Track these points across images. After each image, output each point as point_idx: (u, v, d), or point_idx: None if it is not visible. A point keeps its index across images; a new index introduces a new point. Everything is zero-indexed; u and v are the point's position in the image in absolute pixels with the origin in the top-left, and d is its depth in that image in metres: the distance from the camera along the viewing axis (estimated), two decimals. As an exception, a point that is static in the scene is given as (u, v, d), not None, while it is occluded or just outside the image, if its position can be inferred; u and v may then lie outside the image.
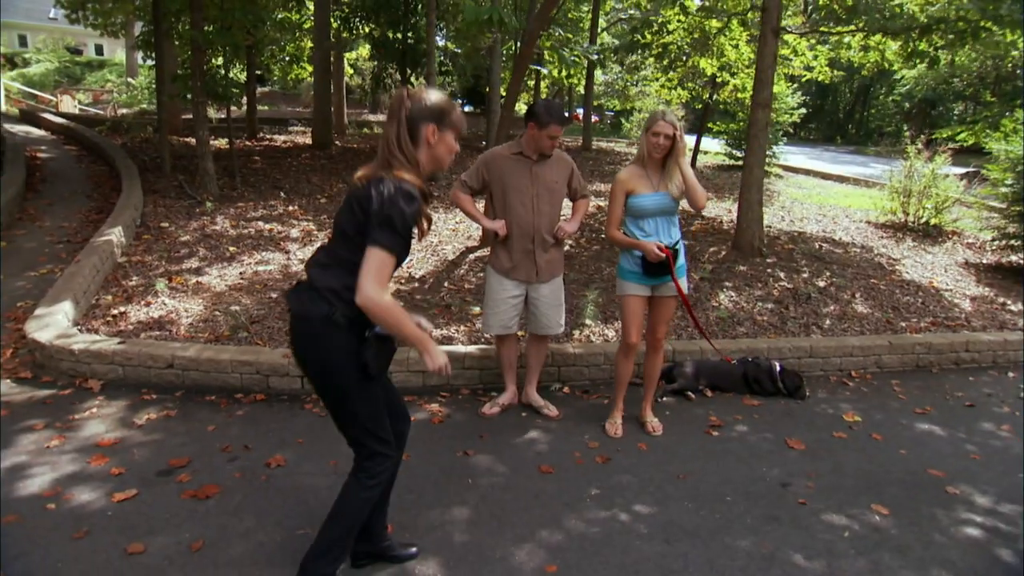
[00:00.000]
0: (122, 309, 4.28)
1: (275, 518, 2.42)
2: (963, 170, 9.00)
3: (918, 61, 6.50)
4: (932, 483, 2.87)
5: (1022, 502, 2.72)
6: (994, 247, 6.90)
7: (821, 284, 5.43)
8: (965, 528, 2.53)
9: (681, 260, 3.07)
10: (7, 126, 12.05)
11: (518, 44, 9.33)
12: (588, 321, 4.46)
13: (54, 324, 3.75)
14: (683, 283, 3.11)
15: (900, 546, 2.40)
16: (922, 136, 8.53)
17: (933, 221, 7.54)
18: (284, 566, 2.16)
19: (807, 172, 12.95)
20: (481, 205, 4.21)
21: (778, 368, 3.77)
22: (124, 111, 16.60)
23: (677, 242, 3.03)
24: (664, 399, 3.68)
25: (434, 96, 1.85)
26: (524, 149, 3.15)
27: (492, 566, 2.21)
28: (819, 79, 10.00)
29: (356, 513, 2.00)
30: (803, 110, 12.82)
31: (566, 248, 6.05)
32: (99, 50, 29.46)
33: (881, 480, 2.88)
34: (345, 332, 1.80)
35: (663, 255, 2.93)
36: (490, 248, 3.37)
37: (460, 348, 3.82)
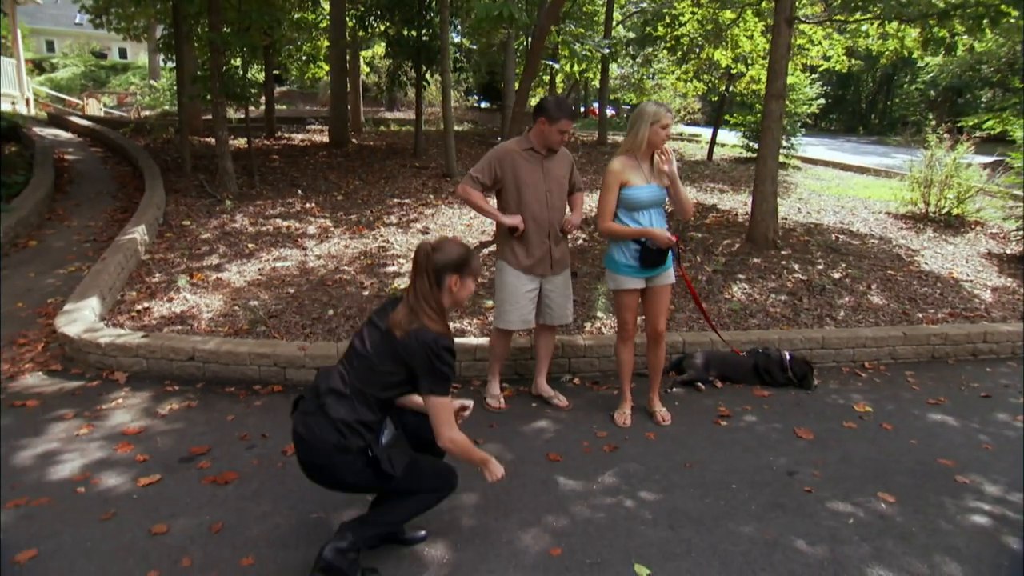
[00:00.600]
0: (146, 305, 4.43)
1: (290, 503, 2.52)
2: (988, 159, 8.80)
3: (937, 48, 6.37)
4: (941, 472, 2.86)
5: (1033, 491, 2.70)
6: (1019, 237, 6.76)
7: (836, 276, 5.38)
8: (972, 516, 2.52)
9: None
10: (36, 129, 12.43)
11: (530, 40, 9.34)
12: (599, 314, 4.49)
13: (82, 319, 3.90)
14: (671, 275, 3.16)
15: (905, 533, 2.41)
16: (944, 124, 8.36)
17: (955, 211, 7.40)
18: (298, 548, 2.25)
19: (827, 163, 12.76)
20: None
21: (788, 357, 3.77)
22: (147, 113, 16.98)
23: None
24: (674, 390, 3.70)
25: (455, 249, 2.09)
26: (535, 144, 3.18)
27: (498, 549, 2.28)
28: (837, 68, 9.84)
29: (420, 507, 2.13)
30: (822, 100, 12.61)
31: (578, 242, 6.09)
32: (123, 54, 30.11)
33: (889, 469, 2.88)
34: (354, 455, 1.97)
35: (674, 240, 2.97)
36: (500, 244, 3.36)
37: (472, 340, 3.89)
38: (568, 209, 3.37)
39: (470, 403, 2.30)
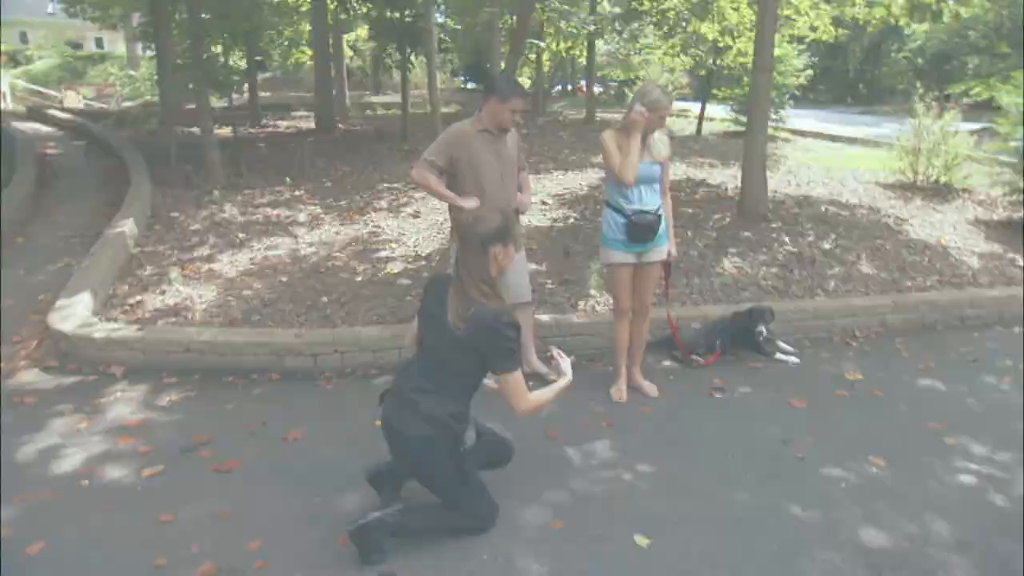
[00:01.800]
0: (138, 298, 4.41)
1: (293, 488, 2.55)
2: (976, 126, 8.82)
3: (923, 15, 6.35)
4: (930, 435, 2.94)
5: (1020, 450, 2.78)
6: (1005, 203, 6.82)
7: (826, 247, 5.43)
8: (960, 476, 2.60)
9: (662, 227, 3.12)
10: (15, 124, 12.21)
11: (514, 18, 9.23)
12: (593, 292, 4.52)
13: (75, 315, 3.88)
14: (662, 252, 3.19)
15: (896, 494, 2.48)
16: (931, 92, 8.35)
17: (943, 179, 7.44)
18: (304, 531, 2.30)
19: (816, 135, 12.76)
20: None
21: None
22: (128, 104, 16.70)
23: (658, 208, 3.10)
24: (667, 363, 3.75)
25: (495, 219, 2.23)
26: (487, 125, 3.11)
27: (500, 525, 2.32)
28: (824, 39, 9.79)
29: (452, 527, 2.25)
30: (810, 72, 12.55)
31: (570, 220, 6.10)
32: (99, 43, 29.53)
33: (880, 434, 2.95)
34: (444, 444, 2.11)
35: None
36: (456, 225, 3.26)
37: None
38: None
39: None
